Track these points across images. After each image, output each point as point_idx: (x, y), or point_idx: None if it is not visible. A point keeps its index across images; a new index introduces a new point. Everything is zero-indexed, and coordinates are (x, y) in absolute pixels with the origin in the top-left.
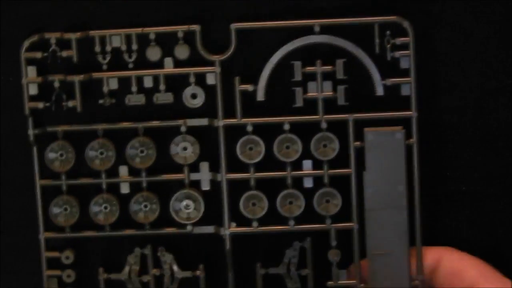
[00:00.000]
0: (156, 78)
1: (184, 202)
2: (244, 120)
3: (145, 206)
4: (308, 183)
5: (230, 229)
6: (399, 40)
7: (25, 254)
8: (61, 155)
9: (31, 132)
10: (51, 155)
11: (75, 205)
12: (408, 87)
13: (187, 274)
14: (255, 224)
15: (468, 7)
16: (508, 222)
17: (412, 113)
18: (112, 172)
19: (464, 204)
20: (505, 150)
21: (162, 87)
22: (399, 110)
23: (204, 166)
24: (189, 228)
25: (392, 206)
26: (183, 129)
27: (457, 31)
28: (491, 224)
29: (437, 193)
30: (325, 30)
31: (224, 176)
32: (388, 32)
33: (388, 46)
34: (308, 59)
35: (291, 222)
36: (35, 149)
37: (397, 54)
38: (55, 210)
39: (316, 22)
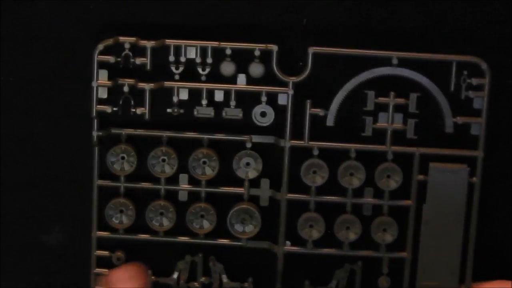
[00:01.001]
0: (227, 93)
1: (242, 217)
2: (311, 143)
3: (202, 216)
4: (367, 211)
5: (284, 248)
6: (475, 81)
7: (75, 252)
8: (122, 158)
9: (95, 133)
10: (112, 157)
11: (131, 209)
12: (478, 127)
13: (236, 285)
14: (310, 245)
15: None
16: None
17: (479, 153)
18: (172, 180)
19: None
20: (505, 150)
21: (232, 102)
22: (464, 148)
23: (265, 182)
24: (243, 241)
25: (447, 241)
26: (248, 144)
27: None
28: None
29: None
30: (401, 61)
31: (284, 196)
32: (465, 72)
33: (464, 85)
34: (381, 88)
35: (346, 247)
36: (96, 150)
37: (472, 94)
38: (110, 211)
39: (394, 54)
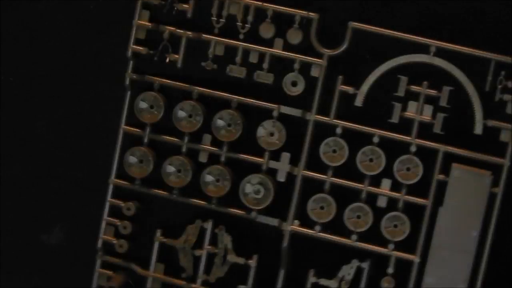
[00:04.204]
0: (262, 56)
1: (256, 188)
2: (336, 121)
3: (217, 181)
4: (381, 203)
5: (291, 226)
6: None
7: (75, 251)
8: (151, 107)
9: (128, 75)
10: (142, 104)
11: (151, 160)
12: (509, 133)
13: (240, 260)
14: (317, 228)
15: None
16: None
17: (505, 161)
18: (196, 137)
19: None
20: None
21: (265, 65)
22: (491, 153)
23: (285, 157)
24: (253, 214)
25: (459, 249)
26: (275, 113)
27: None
28: None
29: None
30: (440, 52)
31: (300, 172)
32: (502, 72)
33: (499, 86)
34: (415, 77)
35: (354, 237)
36: (128, 94)
37: (506, 97)
38: (131, 159)
39: (433, 43)
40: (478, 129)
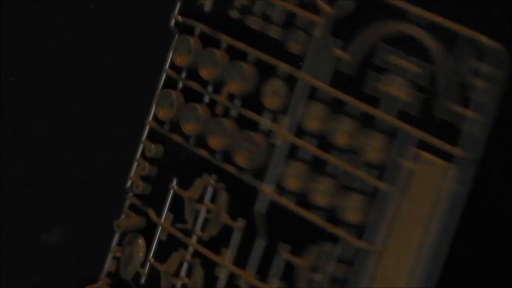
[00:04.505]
0: (277, 9)
1: (246, 145)
2: (321, 84)
3: (223, 131)
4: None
5: (264, 190)
6: (486, 68)
7: (75, 251)
8: (189, 52)
9: (175, 17)
10: (181, 47)
11: (178, 104)
12: (471, 124)
13: (229, 221)
14: (289, 197)
15: None
16: None
17: (459, 152)
18: (218, 86)
19: None
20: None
21: (276, 18)
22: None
23: (284, 120)
24: (245, 176)
25: (412, 249)
26: (282, 71)
27: None
28: None
29: None
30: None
31: (284, 133)
32: (473, 53)
33: (469, 70)
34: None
35: (319, 213)
36: (176, 37)
37: (476, 81)
38: (163, 102)
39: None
40: (439, 112)
